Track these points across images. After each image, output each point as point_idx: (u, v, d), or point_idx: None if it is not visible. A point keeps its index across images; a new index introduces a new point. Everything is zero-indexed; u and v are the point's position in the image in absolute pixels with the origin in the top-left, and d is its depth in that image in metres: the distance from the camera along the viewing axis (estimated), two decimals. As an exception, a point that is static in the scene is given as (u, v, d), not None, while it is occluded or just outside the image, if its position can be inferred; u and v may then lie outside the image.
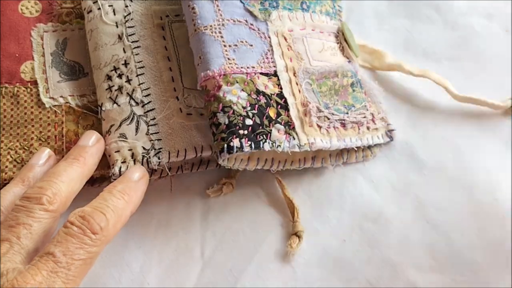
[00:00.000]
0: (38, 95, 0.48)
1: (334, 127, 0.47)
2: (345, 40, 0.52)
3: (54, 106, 0.47)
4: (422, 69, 0.52)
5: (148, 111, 0.46)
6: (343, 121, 0.47)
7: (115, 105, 0.46)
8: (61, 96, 0.48)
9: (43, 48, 0.49)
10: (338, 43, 0.52)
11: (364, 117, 0.49)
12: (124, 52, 0.47)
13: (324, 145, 0.45)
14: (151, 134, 0.45)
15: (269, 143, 0.43)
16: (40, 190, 0.39)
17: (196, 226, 0.46)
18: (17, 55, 0.48)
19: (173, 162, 0.45)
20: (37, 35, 0.49)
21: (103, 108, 0.46)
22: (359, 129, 0.48)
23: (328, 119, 0.46)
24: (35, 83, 0.48)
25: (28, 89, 0.48)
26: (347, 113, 0.48)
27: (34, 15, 0.50)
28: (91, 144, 0.44)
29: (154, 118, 0.45)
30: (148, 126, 0.45)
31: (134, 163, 0.44)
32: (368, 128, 0.49)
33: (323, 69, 0.48)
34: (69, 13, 0.51)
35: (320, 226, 0.46)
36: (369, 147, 0.49)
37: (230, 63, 0.44)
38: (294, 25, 0.49)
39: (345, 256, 0.45)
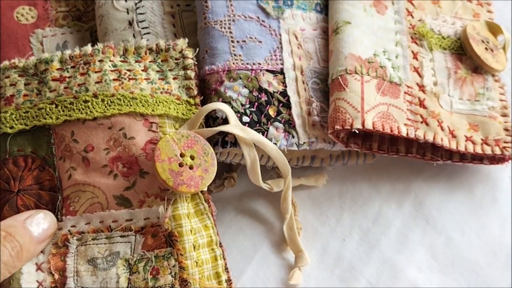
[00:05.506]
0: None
1: None
2: None
3: None
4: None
5: None
6: None
7: None
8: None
9: (44, 53, 0.49)
10: None
11: None
12: (134, 37, 0.47)
13: (327, 145, 0.45)
14: None
15: None
16: None
17: (196, 226, 0.46)
18: (19, 62, 0.49)
19: None
20: (36, 41, 0.50)
21: None
22: None
23: None
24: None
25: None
26: None
27: (31, 21, 0.50)
28: None
29: None
30: None
31: None
32: None
33: None
34: (66, 16, 0.51)
35: (320, 225, 0.46)
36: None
37: (236, 59, 0.45)
38: (307, 25, 0.48)
39: (345, 256, 0.45)
